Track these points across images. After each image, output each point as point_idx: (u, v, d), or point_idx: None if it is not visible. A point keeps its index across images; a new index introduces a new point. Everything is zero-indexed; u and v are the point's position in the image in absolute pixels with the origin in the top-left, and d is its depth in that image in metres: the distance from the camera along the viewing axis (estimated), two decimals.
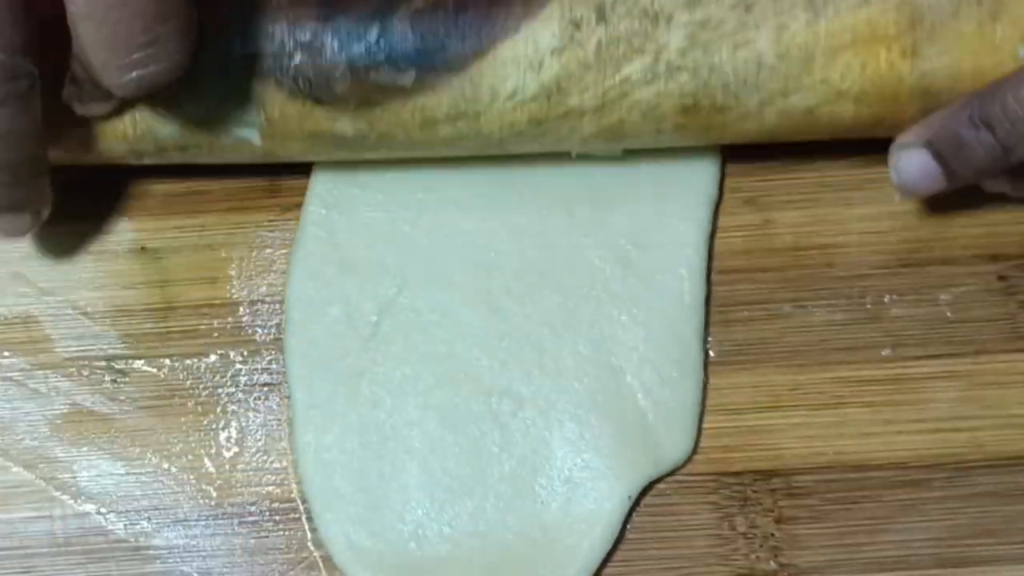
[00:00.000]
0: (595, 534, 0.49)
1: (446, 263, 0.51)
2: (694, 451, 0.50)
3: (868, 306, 0.51)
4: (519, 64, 0.46)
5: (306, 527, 0.50)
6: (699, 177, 0.52)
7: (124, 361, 0.51)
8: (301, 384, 0.50)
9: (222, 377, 0.51)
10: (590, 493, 0.49)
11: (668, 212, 0.51)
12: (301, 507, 0.50)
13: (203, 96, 0.48)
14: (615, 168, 0.52)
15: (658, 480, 0.50)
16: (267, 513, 0.50)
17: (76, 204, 0.52)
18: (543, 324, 0.50)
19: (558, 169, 0.52)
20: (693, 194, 0.51)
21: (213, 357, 0.51)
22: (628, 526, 0.49)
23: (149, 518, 0.50)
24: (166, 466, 0.51)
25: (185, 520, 0.50)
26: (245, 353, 0.51)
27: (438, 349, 0.50)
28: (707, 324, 0.51)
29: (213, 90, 0.47)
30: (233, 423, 0.51)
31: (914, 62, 0.46)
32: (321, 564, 0.50)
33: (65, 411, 0.51)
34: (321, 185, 0.52)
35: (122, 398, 0.51)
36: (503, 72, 0.47)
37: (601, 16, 0.46)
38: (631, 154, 0.51)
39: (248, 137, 0.48)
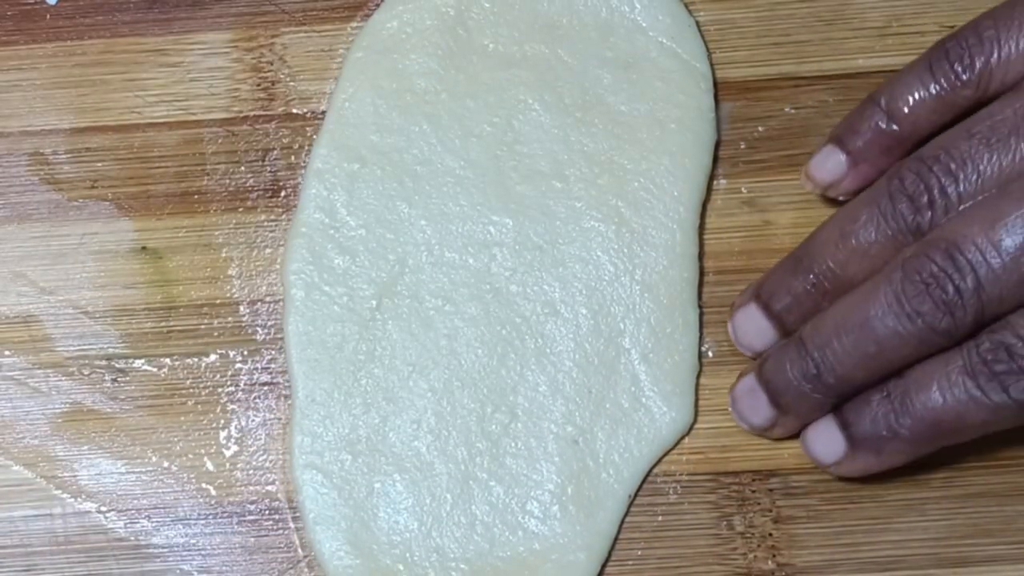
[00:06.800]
0: (595, 546, 0.49)
1: (446, 245, 0.51)
2: (693, 422, 0.50)
3: None
4: None
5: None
6: (687, 133, 0.51)
7: (124, 360, 0.52)
8: (300, 373, 0.50)
9: (222, 376, 0.51)
10: (584, 504, 0.49)
11: (656, 171, 0.51)
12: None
13: None
14: (605, 131, 0.51)
15: (658, 474, 0.50)
16: (267, 512, 0.50)
17: (77, 204, 0.53)
18: (545, 305, 0.51)
19: (549, 135, 0.52)
20: (680, 152, 0.51)
21: (213, 356, 0.52)
22: (626, 525, 0.50)
23: (149, 516, 0.50)
24: (166, 465, 0.51)
25: (185, 519, 0.50)
26: (245, 352, 0.52)
27: (439, 343, 0.50)
28: (701, 308, 0.51)
29: None
30: (233, 422, 0.51)
31: None
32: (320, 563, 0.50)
33: (66, 410, 0.51)
34: (320, 162, 0.52)
35: (122, 397, 0.51)
36: None
37: None
38: (620, 121, 0.51)
39: None
